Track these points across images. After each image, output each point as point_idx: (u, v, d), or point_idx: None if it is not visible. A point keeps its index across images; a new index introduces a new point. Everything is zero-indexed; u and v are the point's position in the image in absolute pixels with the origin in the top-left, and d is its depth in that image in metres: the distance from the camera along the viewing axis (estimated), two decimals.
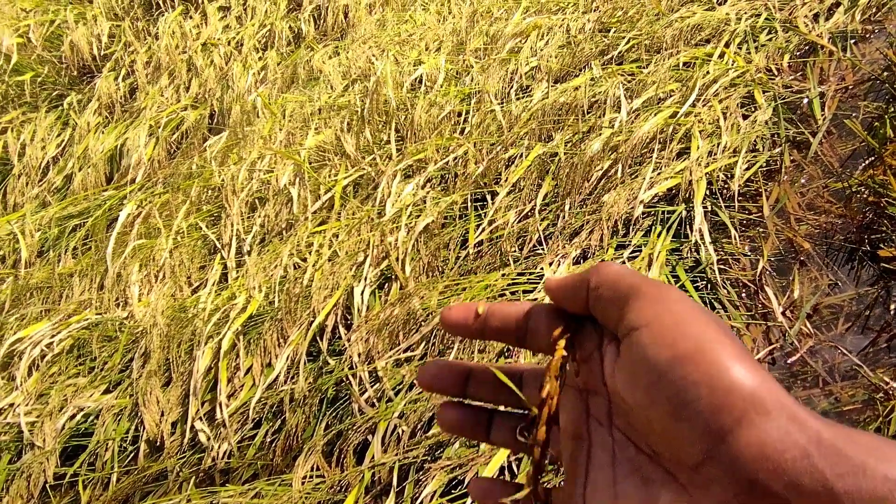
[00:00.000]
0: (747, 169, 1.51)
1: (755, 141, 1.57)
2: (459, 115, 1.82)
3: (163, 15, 2.67)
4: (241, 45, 2.42)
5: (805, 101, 1.69)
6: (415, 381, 1.22)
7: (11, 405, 1.36)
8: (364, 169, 1.68)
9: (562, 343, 0.32)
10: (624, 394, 0.28)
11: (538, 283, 1.30)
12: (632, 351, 0.27)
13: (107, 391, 1.38)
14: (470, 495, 0.32)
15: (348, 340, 1.31)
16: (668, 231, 1.39)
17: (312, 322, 1.35)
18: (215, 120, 2.18)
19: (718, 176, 1.49)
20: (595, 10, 2.11)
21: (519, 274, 1.34)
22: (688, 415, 0.24)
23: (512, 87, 1.86)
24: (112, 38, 2.67)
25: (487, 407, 0.37)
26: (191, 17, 2.64)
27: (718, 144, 1.51)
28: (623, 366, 0.28)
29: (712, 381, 0.24)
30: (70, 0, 3.00)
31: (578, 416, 0.32)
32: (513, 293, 1.30)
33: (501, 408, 0.37)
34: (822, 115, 1.64)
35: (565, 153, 1.55)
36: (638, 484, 0.29)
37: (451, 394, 0.36)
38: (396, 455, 1.15)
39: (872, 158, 1.50)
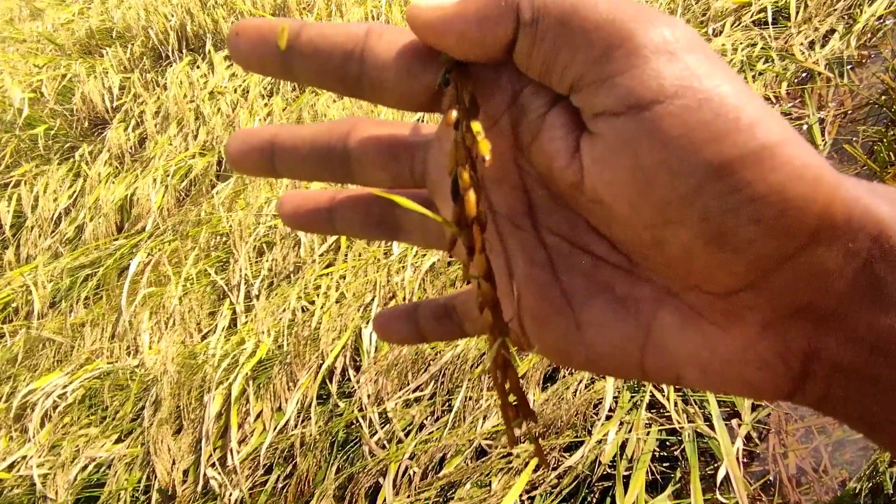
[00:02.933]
0: None
1: None
2: None
3: (171, 66, 2.74)
4: (248, 92, 2.47)
5: (805, 127, 1.70)
6: (423, 422, 1.22)
7: (24, 457, 1.36)
8: None
9: (476, 126, 0.20)
10: (601, 197, 0.19)
11: None
12: (633, 140, 0.17)
13: (118, 440, 1.38)
14: (374, 330, 0.26)
15: (357, 382, 1.31)
16: None
17: (321, 365, 1.35)
18: (223, 167, 2.22)
19: None
20: None
21: None
22: (736, 243, 0.17)
23: None
24: (122, 89, 2.74)
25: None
26: (198, 67, 2.70)
27: None
28: (608, 158, 0.18)
29: (782, 195, 0.16)
30: (81, 55, 3.09)
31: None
32: None
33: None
34: (823, 140, 1.65)
35: None
36: (611, 305, 0.21)
37: (318, 229, 0.26)
38: (408, 497, 1.14)
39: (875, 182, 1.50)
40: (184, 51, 2.89)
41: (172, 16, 3.00)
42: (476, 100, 0.21)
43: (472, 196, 0.20)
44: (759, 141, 0.16)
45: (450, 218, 0.22)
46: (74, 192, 2.29)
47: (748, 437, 1.07)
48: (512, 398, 0.22)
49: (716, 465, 1.02)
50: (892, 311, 0.17)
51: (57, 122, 2.64)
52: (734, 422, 1.08)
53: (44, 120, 2.63)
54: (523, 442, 1.11)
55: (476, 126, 0.20)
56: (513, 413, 0.22)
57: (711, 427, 1.04)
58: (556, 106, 0.20)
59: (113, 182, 2.24)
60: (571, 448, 1.09)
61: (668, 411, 1.09)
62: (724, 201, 0.17)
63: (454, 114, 0.20)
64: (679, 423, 1.07)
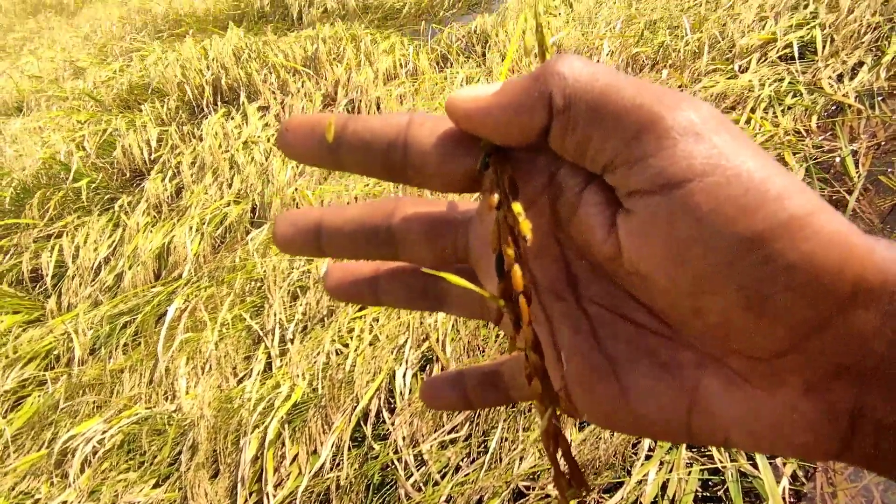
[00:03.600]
0: None
1: None
2: None
3: (206, 118, 2.83)
4: None
5: (837, 159, 1.68)
6: (459, 463, 1.21)
7: (65, 502, 1.37)
8: None
9: (517, 206, 0.21)
10: (638, 269, 0.20)
11: None
12: (667, 216, 0.18)
13: (156, 485, 1.39)
14: (421, 398, 0.27)
15: (392, 424, 1.31)
16: None
17: (356, 407, 1.35)
18: (257, 213, 2.27)
19: None
20: None
21: None
22: (773, 309, 0.18)
23: None
24: (160, 142, 2.83)
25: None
26: (232, 118, 2.79)
27: None
28: (644, 233, 0.19)
29: (815, 263, 0.17)
30: (121, 110, 3.21)
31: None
32: None
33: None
34: (857, 172, 1.63)
35: None
36: (654, 371, 0.22)
37: (362, 301, 0.27)
38: None
39: None
40: (219, 103, 2.98)
41: (208, 70, 3.11)
42: (515, 182, 0.22)
43: (517, 271, 0.21)
44: (789, 212, 0.17)
45: (495, 292, 0.22)
46: (114, 241, 2.35)
47: (794, 476, 1.03)
48: (564, 467, 0.22)
49: None
50: None
51: (98, 174, 2.73)
52: (779, 460, 1.05)
53: (86, 173, 2.72)
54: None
55: (517, 207, 0.21)
56: (565, 482, 0.22)
57: (755, 466, 1.01)
58: (591, 184, 0.21)
59: (151, 231, 2.30)
60: (611, 489, 1.07)
61: (710, 450, 1.07)
62: (759, 271, 0.18)
63: (496, 197, 0.21)
64: (721, 462, 1.04)
